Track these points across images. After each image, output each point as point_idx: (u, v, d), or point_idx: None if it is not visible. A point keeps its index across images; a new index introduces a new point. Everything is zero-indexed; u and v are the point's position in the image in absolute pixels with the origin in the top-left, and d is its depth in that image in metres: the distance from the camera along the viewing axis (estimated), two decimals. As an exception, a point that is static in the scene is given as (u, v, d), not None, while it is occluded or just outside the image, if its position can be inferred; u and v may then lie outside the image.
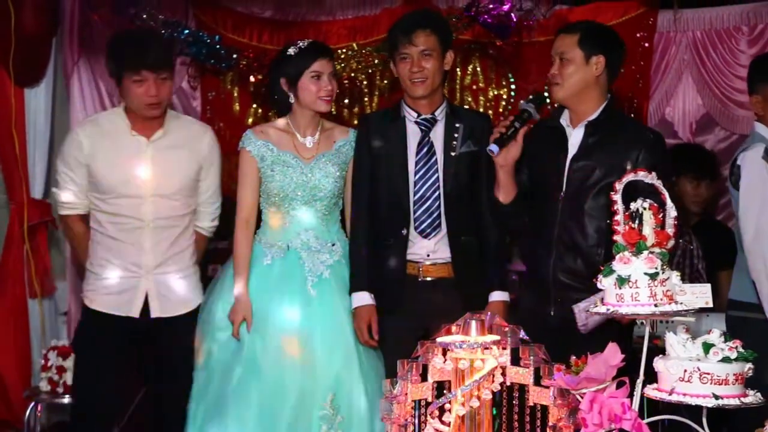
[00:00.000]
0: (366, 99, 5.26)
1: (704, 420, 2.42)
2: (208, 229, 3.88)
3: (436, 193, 3.58)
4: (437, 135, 3.62)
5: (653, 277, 2.41)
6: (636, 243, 2.46)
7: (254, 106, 5.28)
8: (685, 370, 2.36)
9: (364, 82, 5.20)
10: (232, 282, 3.64)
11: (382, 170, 3.64)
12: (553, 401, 2.44)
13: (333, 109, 3.86)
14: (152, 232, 3.66)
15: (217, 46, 5.07)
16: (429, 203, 3.58)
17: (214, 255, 4.09)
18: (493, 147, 3.30)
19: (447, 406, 2.47)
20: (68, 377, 4.33)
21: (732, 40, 4.99)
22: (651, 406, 2.52)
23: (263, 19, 5.33)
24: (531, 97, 3.47)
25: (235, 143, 3.80)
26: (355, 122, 4.85)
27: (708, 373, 2.34)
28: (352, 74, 5.10)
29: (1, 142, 4.83)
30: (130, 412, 4.42)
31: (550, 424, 2.45)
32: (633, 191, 2.58)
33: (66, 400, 4.37)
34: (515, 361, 2.51)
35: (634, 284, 2.42)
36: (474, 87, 5.25)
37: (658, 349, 2.54)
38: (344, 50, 5.06)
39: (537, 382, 2.48)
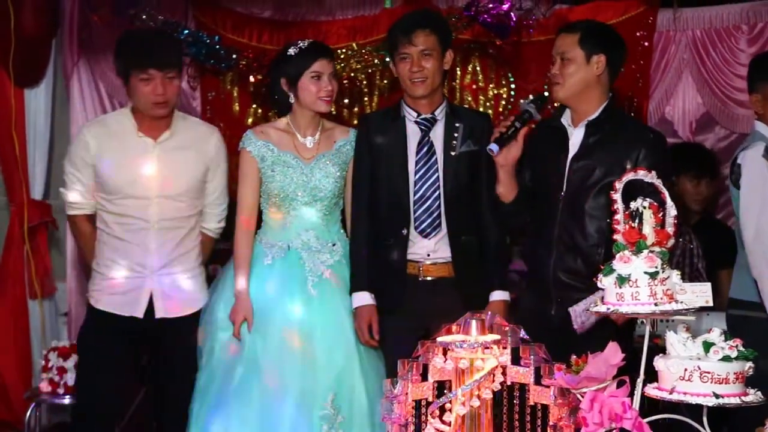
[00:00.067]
0: (366, 99, 5.26)
1: (705, 419, 2.42)
2: (215, 230, 3.88)
3: (437, 193, 3.58)
4: (437, 135, 3.62)
5: (653, 276, 2.41)
6: (636, 242, 2.46)
7: (254, 106, 5.28)
8: (686, 369, 2.36)
9: (364, 82, 5.20)
10: (233, 282, 3.65)
11: (382, 170, 3.64)
12: (554, 400, 2.44)
13: (333, 109, 3.86)
14: (158, 233, 3.66)
15: (217, 47, 5.07)
16: (429, 203, 3.58)
17: (215, 255, 4.09)
18: (493, 146, 3.31)
19: (447, 405, 2.47)
20: (69, 378, 4.33)
21: (732, 39, 4.98)
22: (651, 405, 2.53)
23: (263, 20, 5.33)
24: (532, 97, 3.47)
25: (235, 143, 3.80)
26: (355, 122, 4.85)
27: (708, 372, 2.34)
28: (352, 74, 5.10)
29: (0, 143, 4.84)
30: (130, 413, 4.42)
31: (551, 423, 2.45)
32: (633, 190, 2.58)
33: (67, 400, 4.37)
34: (516, 360, 2.51)
35: (635, 283, 2.42)
36: (474, 86, 5.24)
37: (658, 348, 2.54)
38: (344, 50, 5.06)
39: (537, 381, 2.48)
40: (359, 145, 3.70)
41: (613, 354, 2.41)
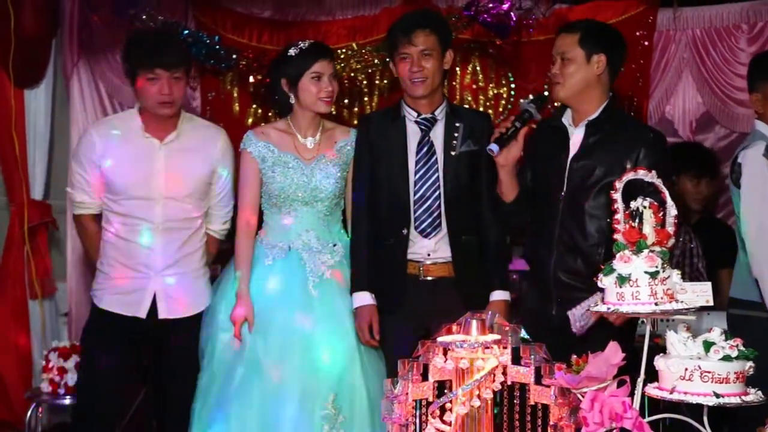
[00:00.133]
0: (366, 99, 5.26)
1: (705, 419, 2.42)
2: (220, 232, 3.87)
3: (437, 193, 3.58)
4: (437, 134, 3.62)
5: (654, 275, 2.41)
6: (636, 242, 2.46)
7: (254, 106, 5.28)
8: (686, 369, 2.36)
9: (364, 82, 5.20)
10: (234, 283, 3.65)
11: (383, 170, 3.64)
12: (554, 400, 2.44)
13: (333, 110, 3.86)
14: (163, 233, 3.66)
15: (217, 47, 5.07)
16: (429, 203, 3.58)
17: (216, 256, 4.08)
18: (493, 146, 3.31)
19: (448, 405, 2.47)
20: (69, 378, 4.33)
21: (732, 38, 4.98)
22: (652, 405, 2.53)
23: (263, 20, 5.33)
24: (532, 97, 3.48)
25: (235, 144, 3.80)
26: (355, 122, 4.85)
27: (709, 372, 2.34)
28: (352, 74, 5.10)
29: (0, 143, 4.84)
30: (131, 413, 4.42)
31: (551, 423, 2.45)
32: (633, 190, 2.58)
33: (67, 401, 4.37)
34: (516, 360, 2.51)
35: (635, 283, 2.42)
36: (474, 86, 5.24)
37: (658, 347, 2.54)
38: (344, 50, 5.06)
39: (538, 381, 2.47)
40: (359, 145, 3.70)
41: (613, 354, 2.41)
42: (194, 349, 3.70)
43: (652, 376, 2.46)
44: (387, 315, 3.58)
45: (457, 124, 3.62)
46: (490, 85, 5.24)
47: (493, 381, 2.48)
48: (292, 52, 3.67)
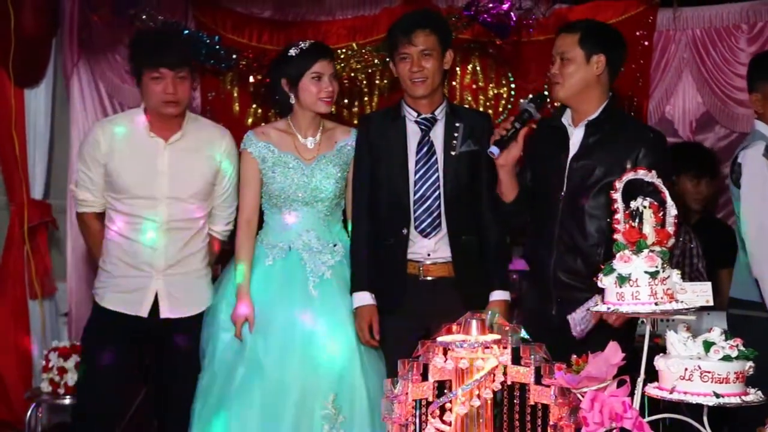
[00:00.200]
0: (366, 99, 5.26)
1: (705, 418, 2.42)
2: (222, 233, 3.87)
3: (437, 193, 3.58)
4: (437, 134, 3.62)
5: (654, 275, 2.41)
6: (636, 242, 2.46)
7: (254, 106, 5.28)
8: (686, 369, 2.36)
9: (364, 82, 5.20)
10: (235, 283, 3.65)
11: (383, 170, 3.64)
12: (554, 400, 2.44)
13: (333, 109, 3.86)
14: (165, 233, 3.66)
15: (217, 47, 5.07)
16: (429, 203, 3.58)
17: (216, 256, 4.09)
18: (494, 149, 3.32)
19: (448, 405, 2.47)
20: (69, 378, 4.33)
21: (732, 38, 4.98)
22: (652, 405, 2.53)
23: (263, 20, 5.32)
24: (531, 96, 3.47)
25: (236, 144, 3.80)
26: (355, 122, 4.85)
27: (709, 372, 2.34)
28: (352, 74, 5.10)
29: (0, 143, 4.84)
30: (131, 413, 4.42)
31: (551, 423, 2.45)
32: (633, 190, 2.58)
33: (67, 400, 4.38)
34: (516, 360, 2.51)
35: (635, 283, 2.42)
36: (474, 86, 5.24)
37: (658, 347, 2.54)
38: (344, 50, 5.06)
39: (538, 381, 2.47)
40: (359, 145, 3.70)
41: (613, 353, 2.41)
42: (195, 349, 3.70)
43: (652, 376, 2.46)
44: (387, 315, 3.58)
45: (457, 124, 3.62)
46: (490, 85, 5.24)
47: (493, 381, 2.48)
48: (292, 52, 3.67)
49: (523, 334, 2.51)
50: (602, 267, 2.51)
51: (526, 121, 3.36)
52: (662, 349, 2.47)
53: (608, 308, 2.48)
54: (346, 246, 3.72)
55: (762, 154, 3.49)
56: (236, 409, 3.50)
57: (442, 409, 2.48)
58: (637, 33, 5.00)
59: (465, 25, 4.94)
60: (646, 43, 5.04)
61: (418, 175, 3.59)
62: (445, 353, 2.48)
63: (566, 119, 3.44)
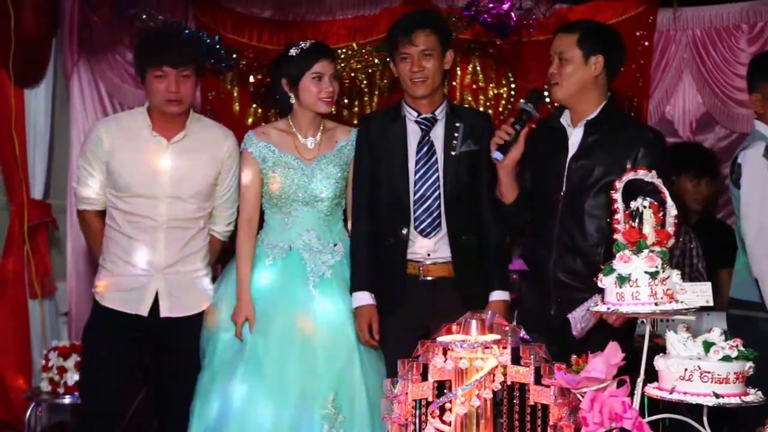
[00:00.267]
0: (366, 99, 5.25)
1: (705, 419, 2.42)
2: (223, 233, 3.87)
3: (437, 193, 3.58)
4: (437, 134, 3.62)
5: (654, 275, 2.41)
6: (636, 242, 2.46)
7: (254, 106, 5.27)
8: (686, 369, 2.36)
9: (364, 82, 5.20)
10: (235, 282, 3.65)
11: (383, 170, 3.64)
12: (554, 400, 2.44)
13: (333, 109, 3.86)
14: (166, 232, 3.66)
15: (217, 46, 5.06)
16: (429, 202, 3.58)
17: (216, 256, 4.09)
18: (498, 155, 3.33)
19: (447, 405, 2.47)
20: (69, 378, 4.34)
21: (732, 39, 4.98)
22: (652, 405, 2.53)
23: (263, 19, 5.32)
24: (529, 95, 3.47)
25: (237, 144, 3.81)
26: (355, 122, 4.85)
27: (709, 372, 2.34)
28: (352, 74, 5.09)
29: (0, 143, 4.83)
30: (131, 413, 4.42)
31: (551, 423, 2.45)
32: (633, 190, 2.58)
33: (67, 400, 4.38)
34: (516, 360, 2.51)
35: (635, 283, 2.42)
36: (474, 86, 5.23)
37: (658, 347, 2.54)
38: (344, 50, 5.05)
39: (538, 381, 2.47)
40: (359, 145, 3.70)
41: (613, 354, 2.42)
42: (195, 349, 3.70)
43: (652, 376, 2.46)
44: (387, 315, 3.59)
45: (458, 124, 3.62)
46: (490, 85, 5.23)
47: (493, 381, 2.48)
48: (292, 52, 3.67)
49: (523, 334, 2.51)
50: (602, 267, 2.51)
51: (526, 122, 3.37)
52: (662, 350, 2.47)
53: (608, 308, 2.48)
54: (347, 246, 3.72)
55: (762, 155, 3.49)
56: (236, 408, 3.49)
57: (442, 409, 2.47)
58: (637, 33, 5.00)
59: (465, 25, 4.93)
60: (646, 43, 5.03)
61: (418, 175, 3.59)
62: (444, 353, 2.48)
63: (565, 120, 3.44)
